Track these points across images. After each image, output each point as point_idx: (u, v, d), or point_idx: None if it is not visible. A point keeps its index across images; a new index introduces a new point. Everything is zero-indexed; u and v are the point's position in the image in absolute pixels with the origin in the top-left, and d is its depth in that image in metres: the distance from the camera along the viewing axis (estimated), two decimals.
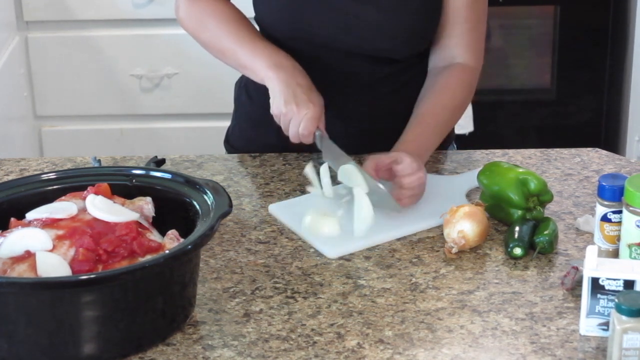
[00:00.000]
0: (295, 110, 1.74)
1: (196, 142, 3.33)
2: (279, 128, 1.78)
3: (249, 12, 1.92)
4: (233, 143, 2.05)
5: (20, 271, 1.38)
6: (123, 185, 1.57)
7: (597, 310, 1.40)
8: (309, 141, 1.77)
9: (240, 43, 1.85)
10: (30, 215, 1.48)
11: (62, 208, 1.47)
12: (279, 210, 1.75)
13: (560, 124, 3.50)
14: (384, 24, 1.82)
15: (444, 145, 1.93)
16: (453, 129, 2.02)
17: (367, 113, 1.91)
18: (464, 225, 1.60)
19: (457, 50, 1.86)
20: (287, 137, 1.77)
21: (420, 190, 1.71)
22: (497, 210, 1.70)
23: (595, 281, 1.39)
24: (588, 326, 1.42)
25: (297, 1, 1.84)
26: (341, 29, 1.83)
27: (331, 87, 1.87)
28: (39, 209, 1.48)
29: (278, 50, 1.83)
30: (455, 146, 2.04)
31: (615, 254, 1.56)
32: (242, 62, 1.84)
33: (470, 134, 3.12)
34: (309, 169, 1.76)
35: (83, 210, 1.47)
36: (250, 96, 1.98)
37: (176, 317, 1.44)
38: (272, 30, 1.89)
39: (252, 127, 1.88)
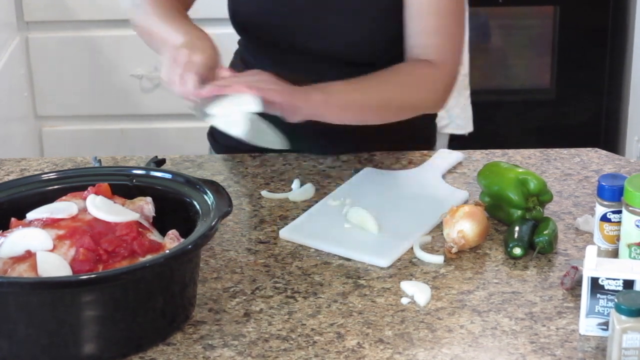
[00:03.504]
0: (176, 58, 1.62)
1: (196, 142, 3.32)
2: None
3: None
4: (217, 137, 2.04)
5: (21, 271, 1.38)
6: (123, 185, 1.57)
7: (596, 310, 1.41)
8: (190, 91, 1.61)
9: (165, 21, 1.78)
10: (31, 215, 1.48)
11: (63, 208, 1.47)
12: (293, 234, 1.68)
13: (560, 124, 3.50)
14: (342, 30, 1.80)
15: (429, 143, 1.91)
16: (435, 129, 2.01)
17: None
18: (464, 225, 1.60)
19: (420, 50, 1.79)
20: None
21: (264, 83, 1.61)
22: (496, 210, 1.70)
23: (594, 281, 1.39)
24: (588, 326, 1.42)
25: (266, 5, 1.83)
26: (304, 33, 1.81)
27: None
28: (40, 209, 1.48)
29: (198, 30, 1.73)
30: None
31: (614, 253, 1.56)
32: (163, 37, 1.76)
33: (470, 134, 3.12)
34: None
35: (83, 210, 1.47)
36: None
37: (176, 317, 1.44)
38: (249, 32, 1.87)
39: None
